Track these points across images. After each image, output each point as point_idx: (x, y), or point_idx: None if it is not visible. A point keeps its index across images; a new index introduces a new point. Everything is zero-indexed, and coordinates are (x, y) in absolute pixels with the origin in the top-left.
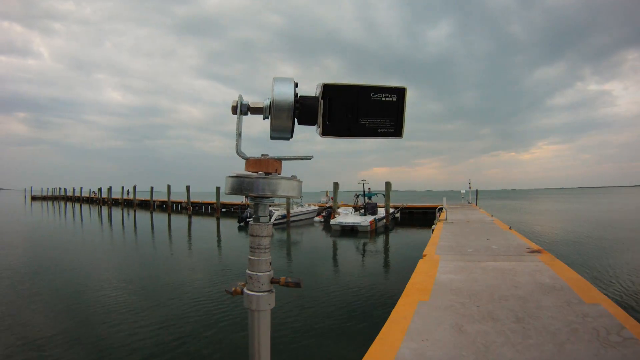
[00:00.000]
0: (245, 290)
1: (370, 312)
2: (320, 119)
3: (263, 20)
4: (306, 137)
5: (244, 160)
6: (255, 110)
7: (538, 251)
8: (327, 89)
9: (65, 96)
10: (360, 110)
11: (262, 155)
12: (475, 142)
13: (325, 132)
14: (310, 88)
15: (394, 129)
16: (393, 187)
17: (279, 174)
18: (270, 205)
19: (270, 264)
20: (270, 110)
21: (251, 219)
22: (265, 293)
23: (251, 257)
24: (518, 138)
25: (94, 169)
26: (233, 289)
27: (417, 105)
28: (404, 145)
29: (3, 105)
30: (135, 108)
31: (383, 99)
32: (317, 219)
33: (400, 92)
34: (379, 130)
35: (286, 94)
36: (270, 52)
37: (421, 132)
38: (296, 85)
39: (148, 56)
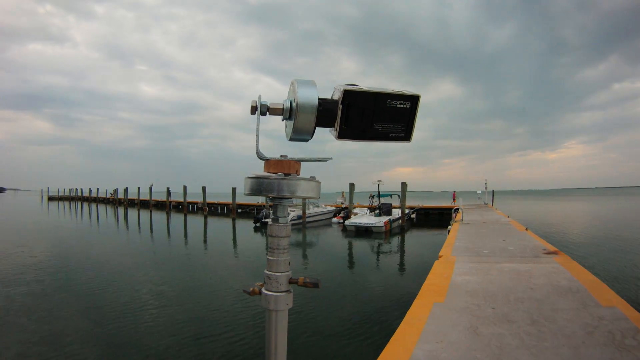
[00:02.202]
0: (263, 290)
1: (385, 313)
2: (337, 122)
3: (338, 12)
4: (324, 137)
5: (262, 161)
6: (275, 111)
7: (554, 252)
8: (347, 94)
9: (100, 90)
10: (376, 115)
11: (281, 156)
12: (506, 142)
13: (341, 135)
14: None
15: (404, 133)
16: (411, 188)
17: (298, 175)
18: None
19: (289, 264)
20: (292, 112)
21: (268, 219)
22: (284, 293)
23: (270, 258)
24: (548, 138)
25: (116, 170)
26: (251, 289)
27: (460, 104)
28: (436, 144)
29: (31, 101)
30: (174, 104)
31: (398, 105)
32: (335, 219)
33: (415, 100)
34: (391, 135)
35: (310, 96)
36: (339, 46)
37: (456, 132)
38: None
39: (201, 46)
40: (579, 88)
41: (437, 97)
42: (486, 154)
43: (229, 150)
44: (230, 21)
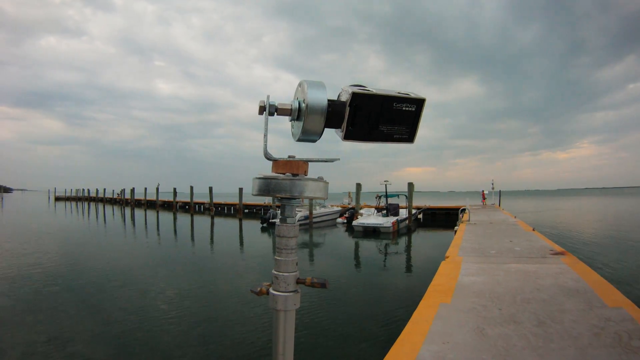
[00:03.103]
0: (271, 290)
1: (391, 313)
2: (344, 123)
3: (370, 9)
4: (336, 137)
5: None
6: (283, 112)
7: (561, 253)
8: (355, 97)
9: (116, 87)
10: (382, 117)
11: (289, 156)
12: (519, 141)
13: (347, 136)
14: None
15: (408, 135)
16: (419, 188)
17: (306, 175)
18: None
19: (297, 264)
20: (300, 113)
21: (274, 220)
22: (291, 293)
23: (278, 258)
24: (561, 137)
25: (125, 171)
26: (259, 289)
27: (479, 104)
28: (450, 144)
29: (43, 99)
30: (191, 102)
31: (404, 108)
32: (339, 220)
33: (420, 103)
34: (395, 136)
35: (320, 98)
36: (368, 44)
37: (472, 131)
38: None
39: (225, 42)
40: (594, 88)
41: (457, 96)
42: (498, 153)
43: (243, 150)
44: (260, 15)
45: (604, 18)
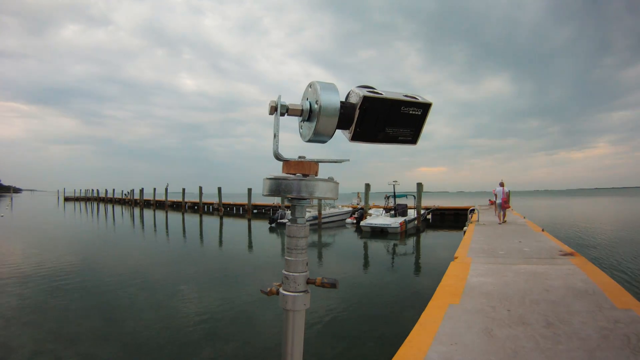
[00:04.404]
0: (281, 290)
1: (400, 314)
2: (353, 125)
3: (416, 5)
4: (343, 137)
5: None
6: (294, 112)
7: (571, 254)
8: (366, 100)
9: (139, 81)
10: (389, 120)
11: (300, 157)
12: (537, 141)
13: (354, 138)
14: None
15: (412, 137)
16: (429, 188)
17: (317, 176)
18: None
19: (307, 264)
20: (311, 114)
21: (284, 220)
22: (301, 293)
23: (288, 258)
24: (578, 137)
25: (138, 171)
26: (269, 289)
27: (503, 103)
28: (469, 143)
29: (60, 95)
30: (216, 99)
31: (410, 112)
32: (349, 220)
33: (426, 107)
34: (399, 138)
35: (334, 100)
36: (410, 41)
37: (493, 131)
38: None
39: (261, 34)
40: (616, 88)
41: (485, 95)
42: (514, 153)
43: (262, 149)
44: (306, 7)
45: (631, 19)
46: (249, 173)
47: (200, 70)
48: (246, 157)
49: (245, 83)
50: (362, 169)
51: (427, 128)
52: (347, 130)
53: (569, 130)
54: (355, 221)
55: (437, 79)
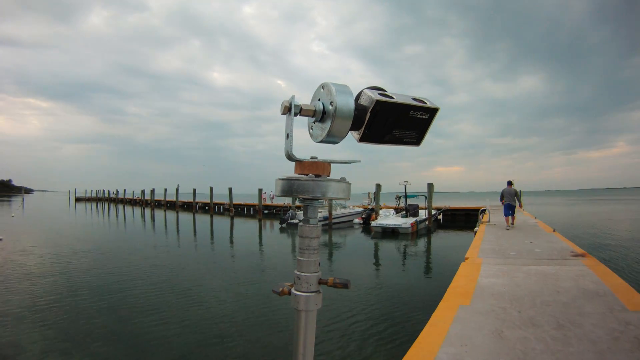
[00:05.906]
0: (293, 290)
1: (410, 315)
2: (363, 127)
3: (471, 2)
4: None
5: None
6: (306, 113)
7: (582, 255)
8: (378, 104)
9: (167, 75)
10: (397, 123)
11: (312, 157)
12: (558, 140)
13: (363, 139)
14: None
15: (416, 139)
16: (442, 188)
17: (329, 176)
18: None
19: (319, 264)
20: (324, 115)
21: (294, 220)
22: (313, 293)
23: (300, 258)
24: (599, 137)
25: (152, 171)
26: (280, 289)
27: (533, 101)
28: (489, 142)
29: (81, 90)
30: (249, 96)
31: (418, 116)
32: (356, 220)
33: (433, 112)
34: (405, 140)
35: (349, 103)
36: (459, 37)
37: (518, 130)
38: None
39: (308, 26)
40: (639, 87)
41: (518, 94)
42: (534, 152)
43: (281, 147)
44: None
45: None
46: (263, 173)
47: (235, 62)
48: (265, 157)
49: (282, 79)
50: (377, 167)
51: (452, 127)
52: (357, 132)
53: (590, 129)
54: (362, 221)
55: (477, 76)
